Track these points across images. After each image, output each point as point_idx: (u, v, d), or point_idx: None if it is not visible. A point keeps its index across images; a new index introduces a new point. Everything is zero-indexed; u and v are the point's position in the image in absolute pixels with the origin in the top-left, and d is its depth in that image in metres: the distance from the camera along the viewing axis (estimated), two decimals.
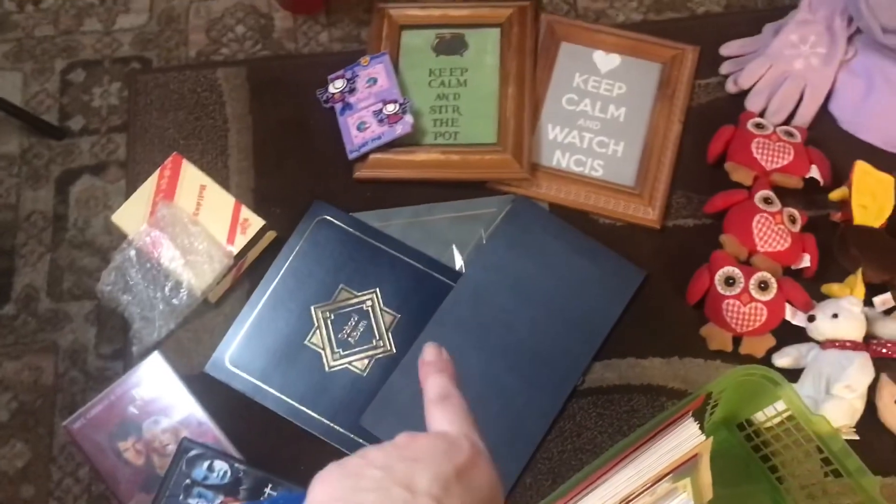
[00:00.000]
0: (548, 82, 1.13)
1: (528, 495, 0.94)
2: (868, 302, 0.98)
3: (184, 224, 1.00)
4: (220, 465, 0.91)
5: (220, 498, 0.90)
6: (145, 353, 0.99)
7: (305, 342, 0.99)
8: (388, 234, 1.04)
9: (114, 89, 1.16)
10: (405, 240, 1.04)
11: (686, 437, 0.77)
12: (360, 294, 1.02)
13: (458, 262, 1.03)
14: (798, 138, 1.05)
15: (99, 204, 1.09)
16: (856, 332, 0.93)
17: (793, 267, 1.00)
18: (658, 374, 0.99)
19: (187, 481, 0.91)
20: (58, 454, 0.99)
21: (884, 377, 0.94)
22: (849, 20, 1.10)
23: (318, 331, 1.00)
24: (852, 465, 0.77)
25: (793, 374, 0.95)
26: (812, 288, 0.99)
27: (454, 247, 1.04)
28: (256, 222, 1.02)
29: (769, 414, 0.88)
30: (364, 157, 1.07)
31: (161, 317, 0.99)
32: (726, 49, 1.14)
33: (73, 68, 1.17)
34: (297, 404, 0.97)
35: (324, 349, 0.99)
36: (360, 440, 0.94)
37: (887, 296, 0.99)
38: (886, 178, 1.02)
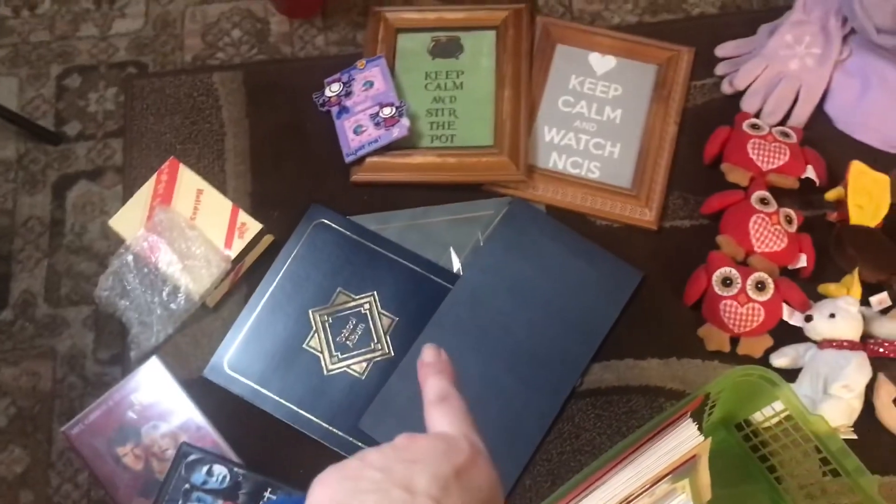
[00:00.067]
0: (544, 84, 1.13)
1: (527, 497, 0.94)
2: (865, 301, 0.98)
3: (181, 228, 1.00)
4: (220, 470, 0.91)
5: (220, 502, 0.90)
6: (143, 358, 0.99)
7: (304, 346, 0.99)
8: (385, 237, 1.04)
9: (110, 94, 1.16)
10: (402, 243, 1.04)
11: (685, 438, 0.77)
12: (357, 297, 1.02)
13: (456, 265, 1.03)
14: (794, 139, 1.05)
15: (96, 209, 1.09)
16: (853, 331, 0.93)
17: (790, 267, 1.01)
18: (656, 374, 0.99)
19: (186, 486, 0.91)
20: (56, 460, 0.98)
21: (881, 376, 0.94)
22: (843, 20, 1.10)
23: (316, 334, 1.00)
24: (850, 464, 0.77)
25: (791, 374, 0.96)
26: (809, 288, 0.99)
27: (451, 249, 1.04)
28: (254, 226, 1.02)
29: (767, 414, 0.88)
30: (361, 160, 1.07)
31: (159, 321, 0.99)
32: (721, 50, 1.14)
33: (69, 73, 1.17)
34: (295, 408, 0.97)
35: (322, 352, 0.99)
36: (359, 443, 0.94)
37: (884, 295, 0.99)
38: (882, 177, 1.02)
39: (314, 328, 1.00)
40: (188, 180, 1.04)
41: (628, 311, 1.01)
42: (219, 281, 1.00)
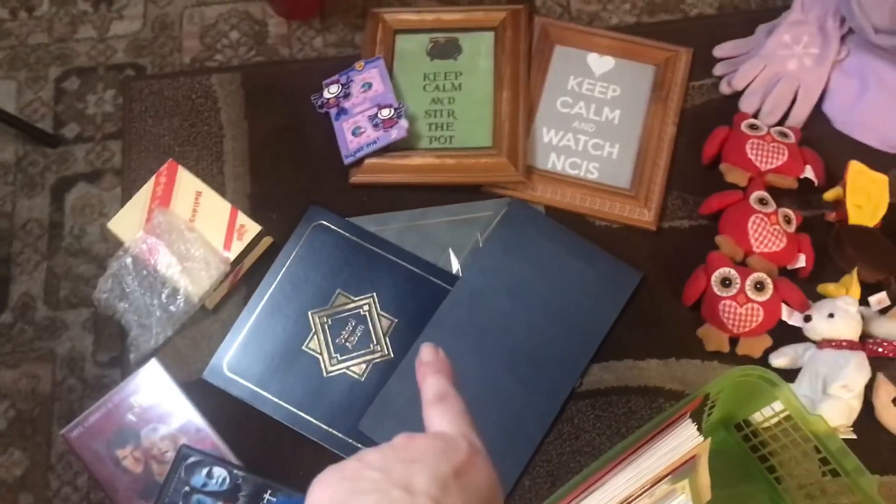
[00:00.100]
0: (542, 85, 1.13)
1: (527, 498, 0.94)
2: (864, 301, 0.98)
3: (180, 231, 1.00)
4: (219, 472, 0.91)
5: None
6: (143, 361, 0.99)
7: (303, 347, 0.99)
8: (384, 238, 1.04)
9: (108, 96, 1.16)
10: (401, 244, 1.04)
11: (684, 439, 0.77)
12: (357, 299, 1.02)
13: (455, 266, 1.03)
14: (792, 139, 1.05)
15: (95, 211, 1.09)
16: (852, 331, 0.93)
17: (788, 267, 1.01)
18: (655, 375, 0.99)
19: (186, 488, 0.91)
20: (56, 462, 0.98)
21: (880, 376, 0.94)
22: (841, 20, 1.10)
23: (315, 336, 1.00)
24: (850, 464, 0.77)
25: (790, 375, 0.96)
26: (808, 288, 0.99)
27: (451, 250, 1.04)
28: (253, 228, 1.02)
29: (767, 414, 0.88)
30: (359, 161, 1.07)
31: (158, 324, 0.99)
32: (719, 50, 1.15)
33: (68, 76, 1.17)
34: (295, 410, 0.97)
35: (321, 354, 0.99)
36: (359, 445, 0.94)
37: (883, 295, 0.99)
38: (880, 177, 1.02)
39: (313, 330, 1.00)
40: (187, 182, 1.04)
41: (627, 311, 1.01)
42: (218, 283, 1.00)
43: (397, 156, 1.07)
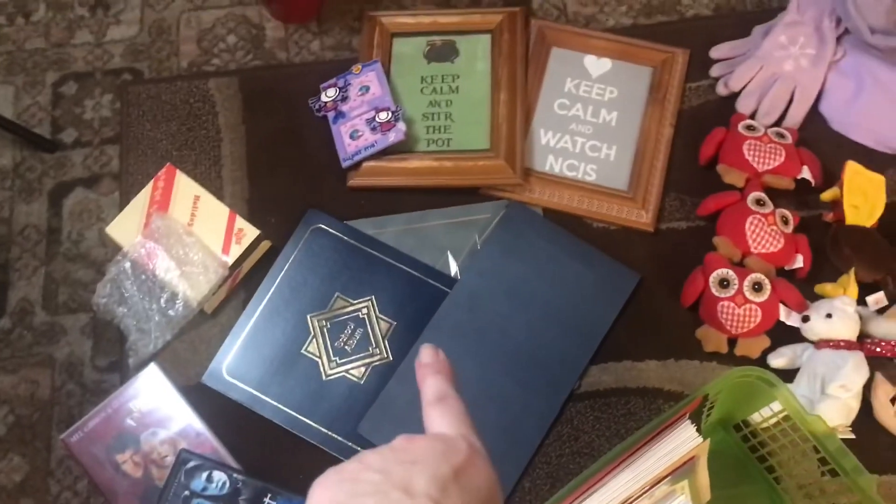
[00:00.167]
0: (539, 88, 1.13)
1: (527, 500, 0.94)
2: (861, 301, 0.98)
3: (178, 235, 1.00)
4: (219, 476, 0.91)
5: None
6: (142, 365, 0.99)
7: (302, 351, 0.99)
8: (382, 241, 1.04)
9: (106, 101, 1.16)
10: (400, 247, 1.04)
11: (684, 440, 0.77)
12: (355, 302, 1.02)
13: (453, 269, 1.03)
14: (789, 139, 1.05)
15: (93, 216, 1.09)
16: (850, 331, 0.93)
17: (786, 268, 1.01)
18: (654, 376, 0.99)
19: (186, 492, 0.91)
20: (56, 467, 0.98)
21: (878, 376, 0.94)
22: (837, 21, 1.11)
23: (314, 339, 1.00)
24: (849, 464, 0.77)
25: (788, 375, 0.96)
26: (805, 288, 0.99)
27: (449, 253, 1.04)
28: (251, 232, 1.02)
29: (765, 415, 0.88)
30: (357, 165, 1.07)
31: (157, 328, 0.99)
32: (716, 52, 1.15)
33: (65, 81, 1.17)
34: (294, 413, 0.97)
35: (320, 357, 0.99)
36: (358, 448, 0.94)
37: (880, 295, 0.99)
38: (877, 177, 1.02)
39: (312, 333, 1.00)
40: (185, 187, 1.04)
41: (626, 312, 1.01)
42: (216, 287, 1.00)
43: (395, 159, 1.07)
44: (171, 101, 1.14)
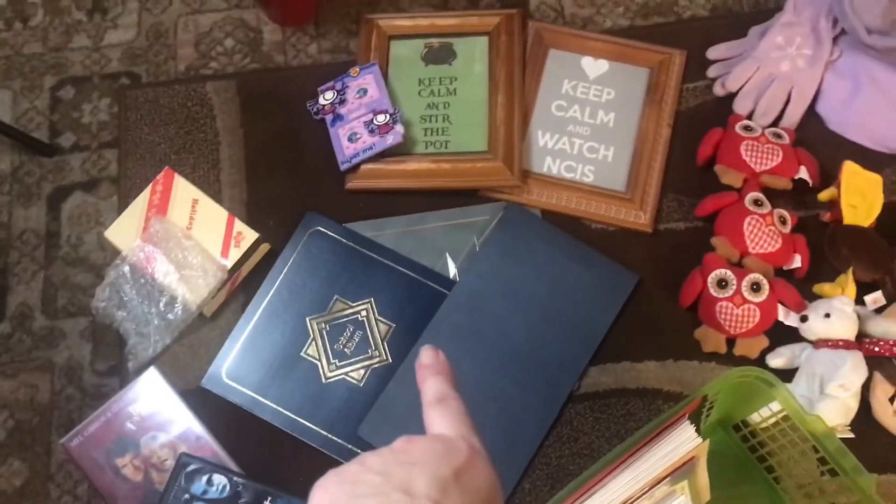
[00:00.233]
0: (537, 89, 1.13)
1: (527, 501, 0.94)
2: (860, 301, 0.98)
3: (177, 238, 1.00)
4: (219, 479, 0.91)
5: None
6: (141, 369, 0.99)
7: (301, 354, 0.99)
8: (381, 243, 1.04)
9: (103, 105, 1.16)
10: (398, 249, 1.04)
11: (683, 440, 0.77)
12: (354, 304, 1.02)
13: (452, 270, 1.03)
14: (786, 140, 1.06)
15: (91, 220, 1.10)
16: (848, 331, 0.94)
17: (784, 268, 1.01)
18: (653, 377, 0.99)
19: (186, 496, 0.91)
20: (56, 472, 0.98)
21: (877, 375, 0.94)
22: (834, 21, 1.11)
23: (313, 342, 1.00)
24: (848, 463, 0.77)
25: (787, 375, 0.96)
26: (804, 288, 0.99)
27: (447, 255, 1.04)
28: (250, 235, 1.02)
29: (765, 415, 0.88)
30: (356, 167, 1.07)
31: (156, 332, 0.99)
32: (713, 52, 1.15)
33: (63, 85, 1.18)
34: (294, 416, 0.97)
35: (320, 360, 0.99)
36: (358, 450, 0.94)
37: (878, 294, 0.99)
38: (875, 177, 1.03)
39: (312, 336, 1.00)
40: (183, 190, 1.04)
41: (625, 314, 1.01)
42: (216, 290, 1.00)
43: (393, 161, 1.07)
44: (168, 104, 1.14)
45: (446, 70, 1.14)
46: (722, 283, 0.96)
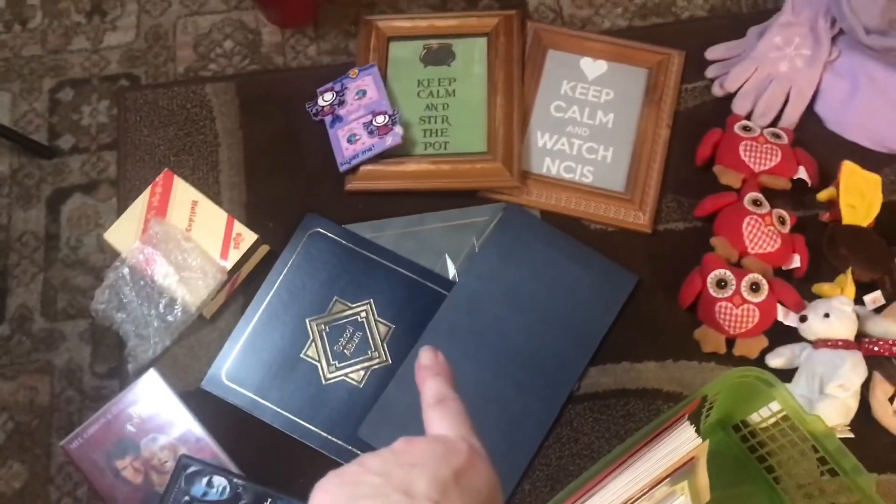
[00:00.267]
0: (536, 90, 1.13)
1: (527, 502, 0.94)
2: (859, 300, 0.98)
3: (177, 240, 1.00)
4: (219, 481, 0.91)
5: None
6: (141, 371, 0.98)
7: (301, 355, 0.99)
8: (380, 245, 1.05)
9: (103, 107, 1.16)
10: (398, 250, 1.04)
11: (683, 441, 0.77)
12: (354, 306, 1.02)
13: (452, 271, 1.03)
14: (785, 140, 1.06)
15: (91, 222, 1.10)
16: (847, 330, 0.94)
17: (783, 268, 1.01)
18: (653, 377, 0.99)
19: (186, 498, 0.91)
20: (55, 474, 0.98)
21: (876, 375, 0.94)
22: (832, 21, 1.11)
23: (313, 343, 1.00)
24: (848, 463, 0.77)
25: (786, 375, 0.96)
26: (803, 288, 0.99)
27: (447, 256, 1.04)
28: (249, 237, 1.02)
29: (764, 415, 0.88)
30: (355, 169, 1.07)
31: (156, 334, 0.99)
32: (711, 53, 1.15)
33: (62, 87, 1.18)
34: (294, 417, 0.97)
35: (320, 362, 0.99)
36: (358, 451, 0.94)
37: (877, 294, 0.99)
38: (873, 177, 1.03)
39: (311, 337, 1.00)
40: (183, 192, 1.04)
41: (624, 314, 1.01)
42: (215, 292, 1.00)
43: (392, 162, 1.07)
44: (168, 106, 1.14)
45: (445, 71, 1.14)
46: (721, 284, 0.96)
